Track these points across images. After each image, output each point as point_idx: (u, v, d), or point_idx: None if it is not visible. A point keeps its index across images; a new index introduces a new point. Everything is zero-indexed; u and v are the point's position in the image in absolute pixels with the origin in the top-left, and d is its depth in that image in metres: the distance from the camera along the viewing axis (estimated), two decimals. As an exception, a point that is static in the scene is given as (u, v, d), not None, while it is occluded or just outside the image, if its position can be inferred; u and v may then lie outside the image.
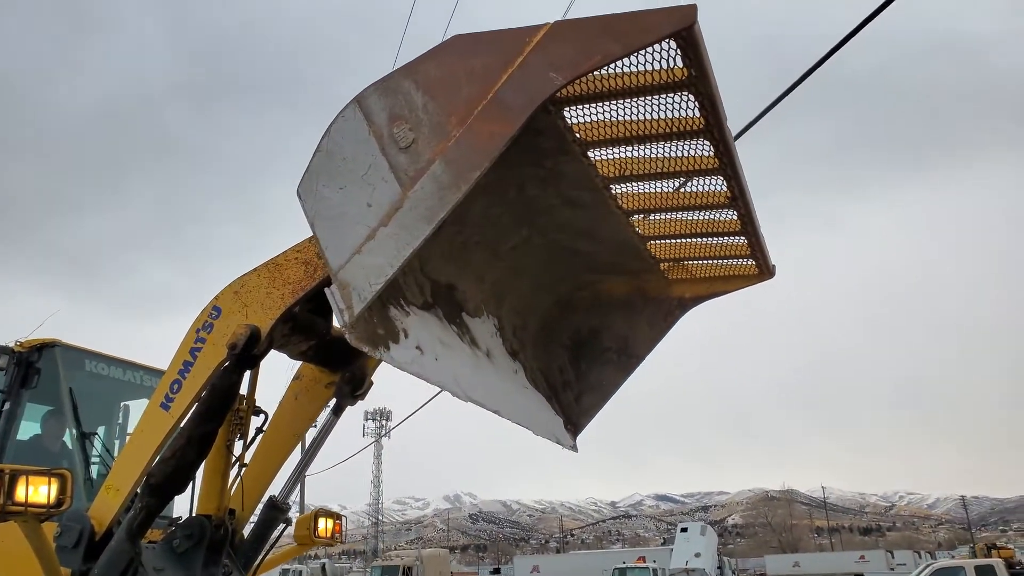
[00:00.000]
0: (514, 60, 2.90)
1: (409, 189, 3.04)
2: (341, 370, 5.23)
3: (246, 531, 5.54)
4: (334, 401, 5.39)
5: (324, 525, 6.18)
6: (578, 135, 3.56)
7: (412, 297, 3.84)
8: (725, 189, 3.75)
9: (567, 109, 3.39)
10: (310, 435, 5.84)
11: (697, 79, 2.96)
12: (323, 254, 3.24)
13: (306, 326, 4.70)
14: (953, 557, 34.87)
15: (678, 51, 2.82)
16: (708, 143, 3.37)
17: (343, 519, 6.47)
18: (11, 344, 5.89)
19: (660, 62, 2.90)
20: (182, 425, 4.60)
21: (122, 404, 7.03)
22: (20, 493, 4.10)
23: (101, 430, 6.32)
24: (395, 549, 55.71)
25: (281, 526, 5.67)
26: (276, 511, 5.63)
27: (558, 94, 3.03)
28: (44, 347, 5.93)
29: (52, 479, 4.23)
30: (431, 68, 3.12)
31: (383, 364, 5.30)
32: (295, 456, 5.69)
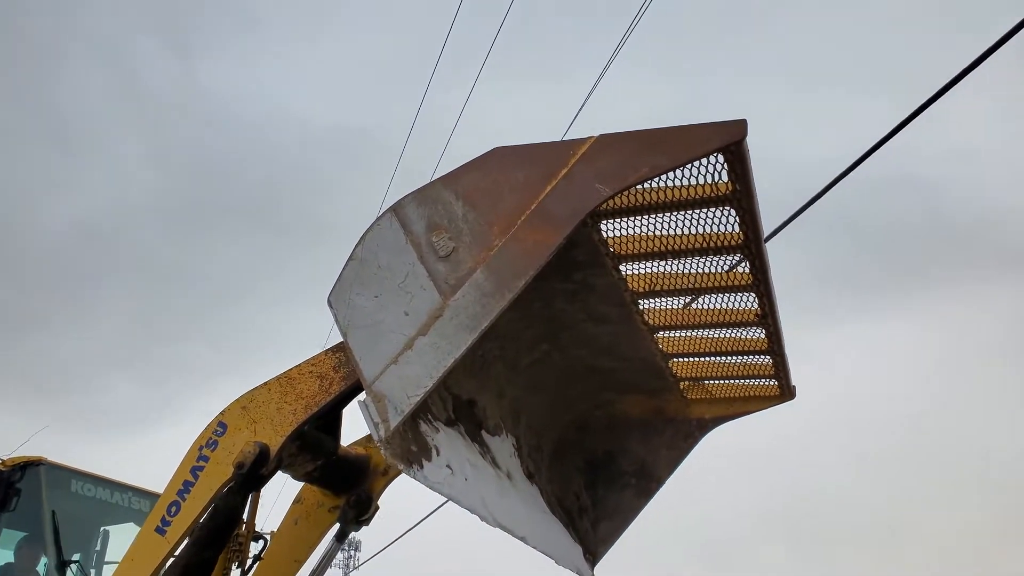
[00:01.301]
0: (558, 171, 2.92)
1: (450, 297, 2.98)
2: (346, 494, 4.97)
3: None
4: (337, 527, 5.08)
5: None
6: (612, 248, 3.56)
7: (437, 412, 3.71)
8: (756, 306, 3.73)
9: (604, 222, 3.40)
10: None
11: (741, 194, 2.99)
12: (356, 365, 3.12)
13: (314, 445, 4.50)
14: None
15: (724, 165, 2.86)
16: (745, 259, 3.37)
17: None
18: None
19: (704, 176, 2.94)
20: (179, 552, 4.31)
21: (101, 529, 6.60)
22: None
23: (77, 556, 5.86)
24: None
25: None
26: None
27: (598, 207, 3.04)
28: (28, 465, 5.63)
29: None
30: (472, 179, 3.13)
31: (389, 489, 5.10)
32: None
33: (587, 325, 4.16)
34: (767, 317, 3.76)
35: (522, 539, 3.65)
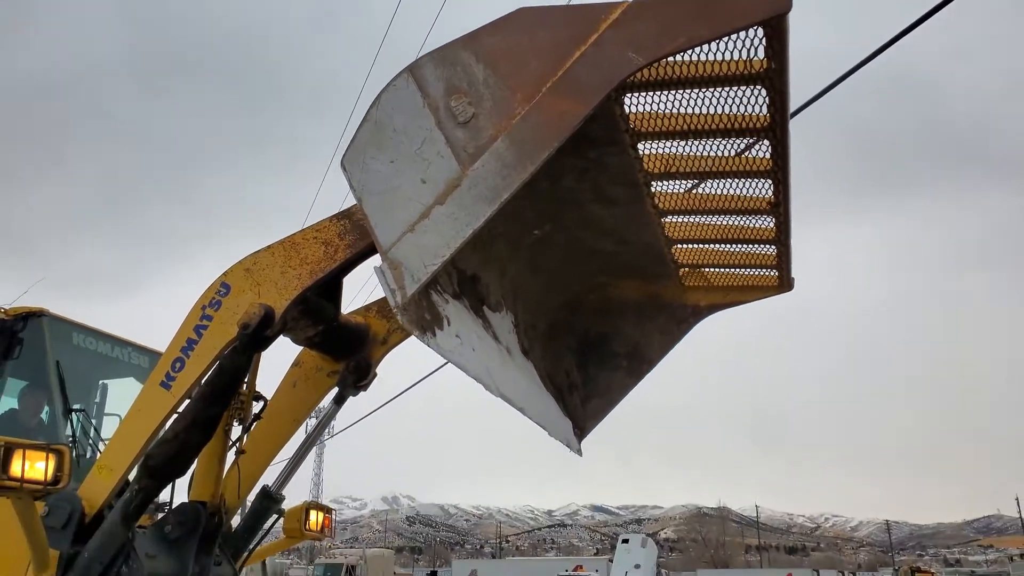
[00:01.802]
0: (588, 36, 2.75)
1: (468, 167, 2.86)
2: (345, 359, 5.02)
3: (235, 520, 5.32)
4: (335, 391, 5.15)
5: (315, 518, 5.97)
6: (632, 124, 3.44)
7: (444, 285, 3.68)
8: (770, 194, 3.66)
9: (628, 95, 3.26)
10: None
11: (775, 73, 2.87)
12: (371, 230, 3.05)
13: (316, 310, 4.51)
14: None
15: (763, 40, 2.73)
16: (768, 143, 3.28)
17: (332, 513, 6.25)
18: None
19: (739, 51, 2.81)
20: (185, 406, 4.37)
21: (100, 382, 6.63)
22: (16, 468, 3.79)
23: (79, 407, 5.92)
24: (331, 548, 54.77)
25: (273, 517, 5.47)
26: (270, 501, 5.42)
27: (628, 78, 2.90)
28: (30, 316, 5.54)
29: (50, 455, 3.92)
30: (494, 40, 2.95)
31: (387, 356, 5.15)
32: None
33: (594, 206, 4.10)
34: (779, 206, 3.71)
35: (520, 410, 3.72)
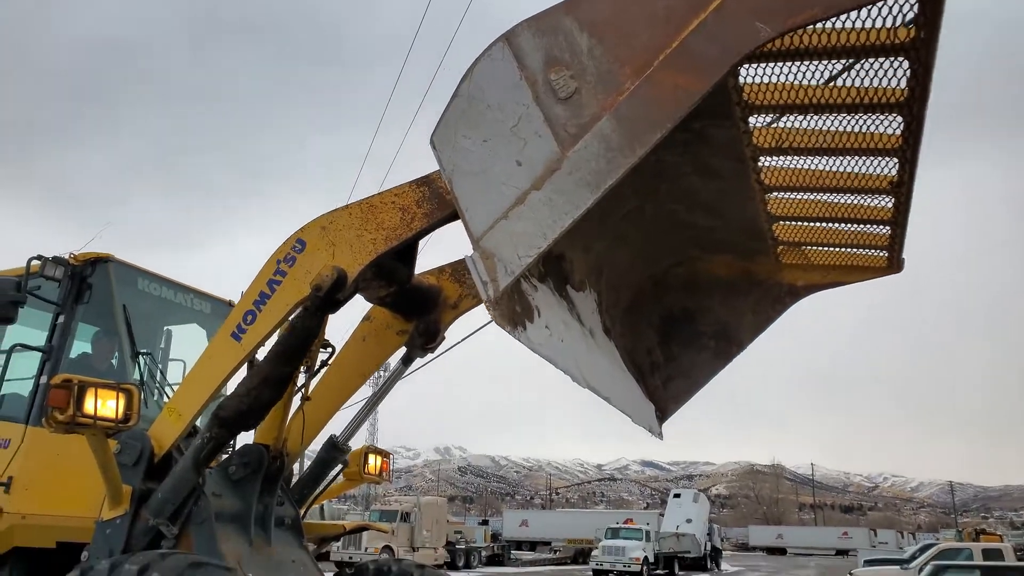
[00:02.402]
0: (707, 3, 2.46)
1: (569, 148, 2.62)
2: (415, 320, 4.97)
3: (302, 467, 5.43)
4: (404, 350, 5.12)
5: (373, 462, 6.11)
6: (746, 97, 3.15)
7: (531, 268, 3.52)
8: (894, 173, 3.34)
9: (746, 66, 2.97)
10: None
11: (922, 44, 2.56)
12: (462, 215, 2.85)
13: (389, 272, 4.46)
14: (937, 539, 35.29)
15: (914, 7, 2.43)
16: (901, 119, 2.96)
17: (391, 457, 6.31)
18: (65, 256, 5.51)
19: (882, 19, 2.51)
20: (259, 363, 4.42)
21: (165, 328, 6.70)
22: (89, 406, 3.99)
23: (146, 351, 6.02)
24: (385, 495, 56.36)
25: (338, 467, 5.58)
26: (336, 451, 5.52)
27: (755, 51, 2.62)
28: (98, 261, 5.60)
29: (120, 394, 4.14)
30: (600, 6, 2.69)
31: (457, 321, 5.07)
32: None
33: (692, 179, 3.83)
34: (902, 186, 3.39)
35: (607, 399, 3.54)
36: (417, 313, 4.96)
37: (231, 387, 4.66)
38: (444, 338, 5.10)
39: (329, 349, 5.06)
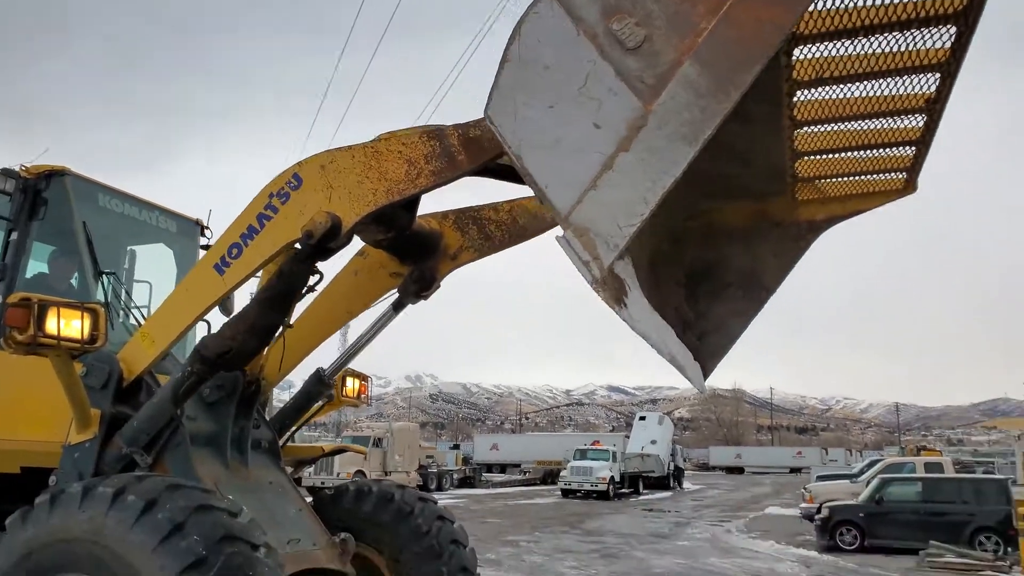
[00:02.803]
0: None
1: (652, 101, 2.36)
2: (411, 265, 4.76)
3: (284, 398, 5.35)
4: (396, 295, 4.93)
5: (351, 385, 6.00)
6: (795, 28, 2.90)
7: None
8: (933, 89, 3.14)
9: None
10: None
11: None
12: (541, 193, 2.57)
13: (389, 218, 4.21)
14: (882, 456, 37.10)
15: None
16: (953, 30, 2.75)
17: (369, 380, 6.24)
18: (16, 168, 5.14)
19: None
20: (246, 309, 4.21)
21: (129, 248, 6.41)
22: (51, 326, 3.77)
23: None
24: (356, 422, 56.86)
25: (322, 401, 5.50)
26: (321, 385, 5.43)
27: None
28: (53, 175, 5.20)
29: (85, 313, 3.91)
30: None
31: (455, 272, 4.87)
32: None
33: (727, 124, 3.62)
34: (938, 103, 3.21)
35: (682, 369, 3.32)
36: (414, 259, 4.76)
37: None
38: (439, 287, 4.92)
39: (317, 276, 4.88)
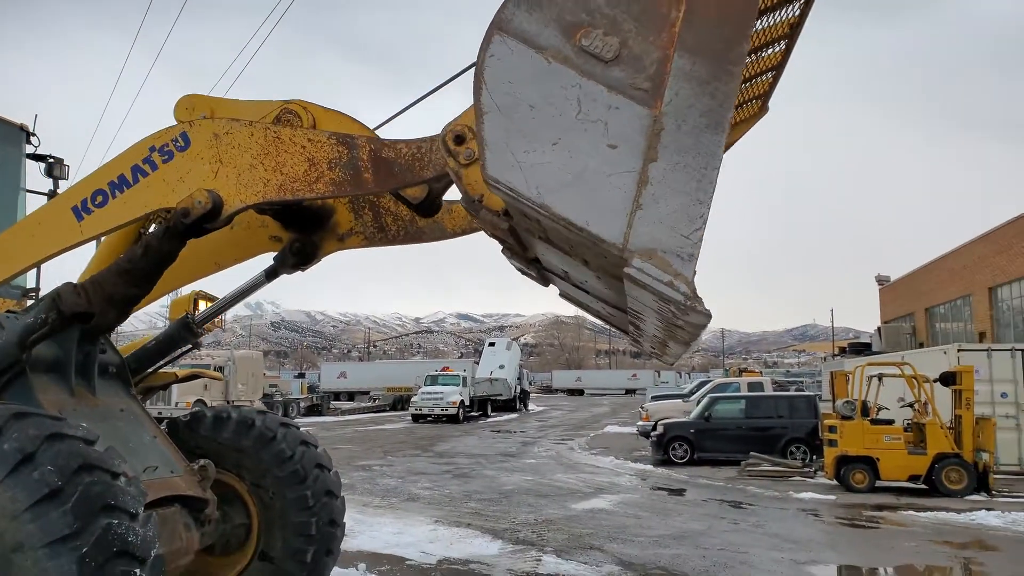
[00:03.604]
0: None
1: (658, 103, 2.25)
2: (295, 234, 4.51)
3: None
4: (271, 263, 4.67)
5: (203, 308, 5.68)
6: None
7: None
8: (796, 14, 3.24)
9: None
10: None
11: None
12: (587, 234, 2.36)
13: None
14: (709, 378, 40.59)
15: None
16: None
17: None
18: None
19: None
20: (105, 274, 3.85)
21: None
22: None
23: None
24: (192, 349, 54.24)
25: (185, 348, 5.23)
26: (187, 333, 5.12)
27: None
28: None
29: None
30: None
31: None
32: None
33: None
34: (799, 25, 3.32)
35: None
36: (298, 228, 4.50)
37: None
38: (318, 263, 4.68)
39: None
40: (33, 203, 5.84)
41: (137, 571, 3.03)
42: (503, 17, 2.37)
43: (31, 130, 5.82)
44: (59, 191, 5.96)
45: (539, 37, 2.34)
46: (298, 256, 4.54)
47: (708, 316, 2.29)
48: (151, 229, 3.87)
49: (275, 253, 4.67)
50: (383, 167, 3.45)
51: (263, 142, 3.55)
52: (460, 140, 2.92)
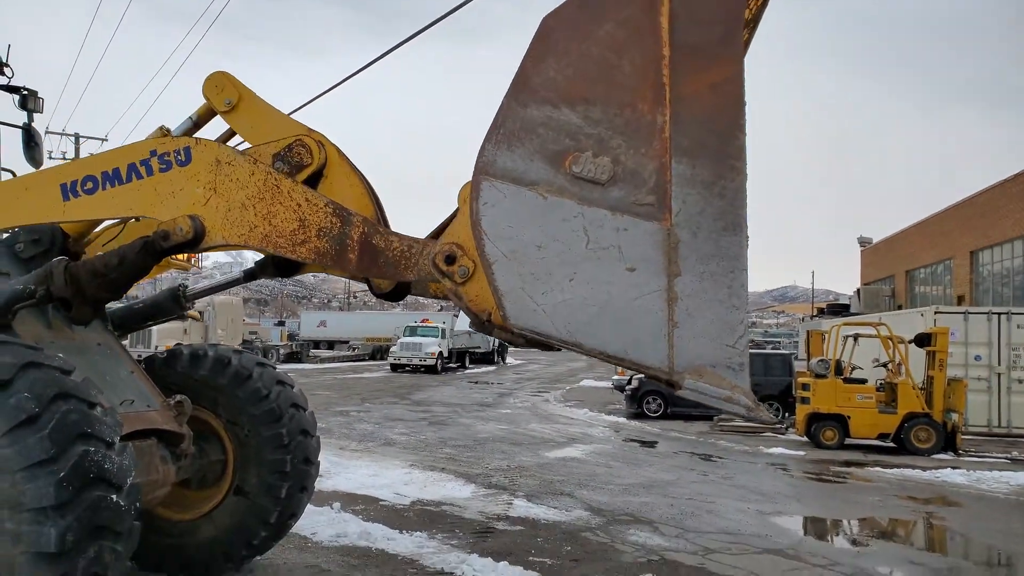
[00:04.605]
0: None
1: (668, 216, 2.18)
2: None
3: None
4: (252, 266, 4.72)
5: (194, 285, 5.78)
6: None
7: None
8: None
9: None
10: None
11: None
12: (630, 363, 2.33)
13: None
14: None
15: None
16: None
17: None
18: None
19: None
20: (81, 271, 3.81)
21: None
22: None
23: None
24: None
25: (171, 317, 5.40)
26: (175, 305, 5.24)
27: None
28: None
29: None
30: (550, 70, 2.25)
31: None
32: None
33: None
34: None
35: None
36: None
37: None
38: (301, 275, 4.62)
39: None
40: (7, 135, 5.75)
41: (113, 497, 3.09)
42: (485, 160, 2.31)
43: (3, 60, 5.68)
44: (33, 124, 5.85)
45: (527, 173, 2.28)
46: (280, 269, 4.53)
47: (773, 419, 2.30)
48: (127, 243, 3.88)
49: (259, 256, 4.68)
50: (369, 254, 3.33)
51: (261, 186, 3.48)
52: (451, 260, 2.85)
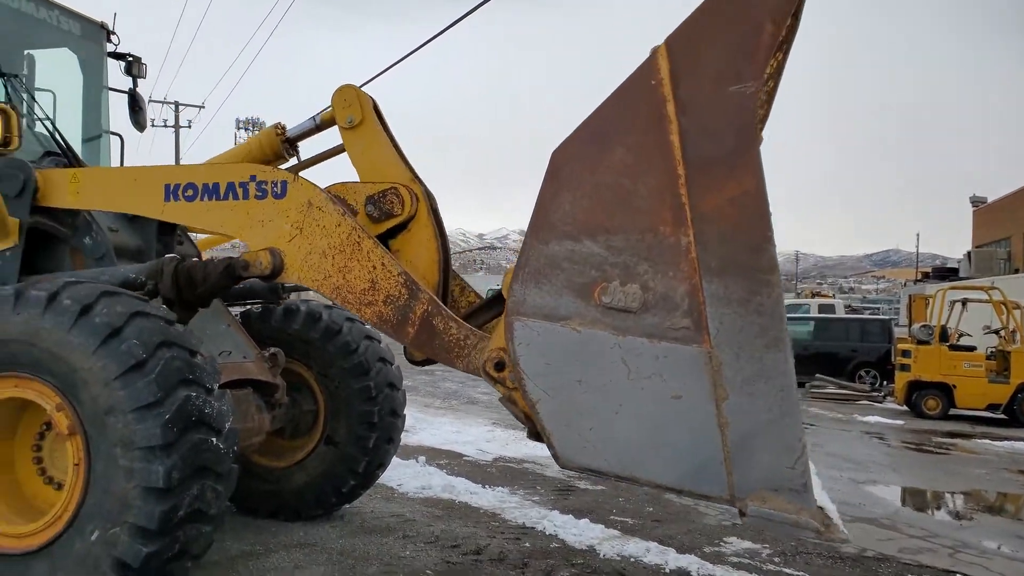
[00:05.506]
0: (663, 109, 2.12)
1: (706, 338, 2.14)
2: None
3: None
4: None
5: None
6: None
7: None
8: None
9: None
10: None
11: None
12: (689, 494, 2.33)
13: None
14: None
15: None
16: None
17: None
18: None
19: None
20: (182, 275, 3.93)
21: (27, 52, 5.84)
22: None
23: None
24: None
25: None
26: (272, 295, 5.50)
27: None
28: None
29: None
30: (566, 205, 2.24)
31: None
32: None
33: None
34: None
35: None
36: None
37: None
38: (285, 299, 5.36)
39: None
40: (115, 100, 6.01)
41: (213, 440, 3.26)
42: (515, 300, 2.32)
43: (111, 28, 5.92)
44: (138, 89, 6.08)
45: (558, 309, 2.27)
46: (272, 296, 4.82)
47: (846, 537, 2.27)
48: (214, 259, 4.02)
49: None
50: (427, 333, 3.36)
51: (345, 239, 3.53)
52: (500, 367, 2.90)
